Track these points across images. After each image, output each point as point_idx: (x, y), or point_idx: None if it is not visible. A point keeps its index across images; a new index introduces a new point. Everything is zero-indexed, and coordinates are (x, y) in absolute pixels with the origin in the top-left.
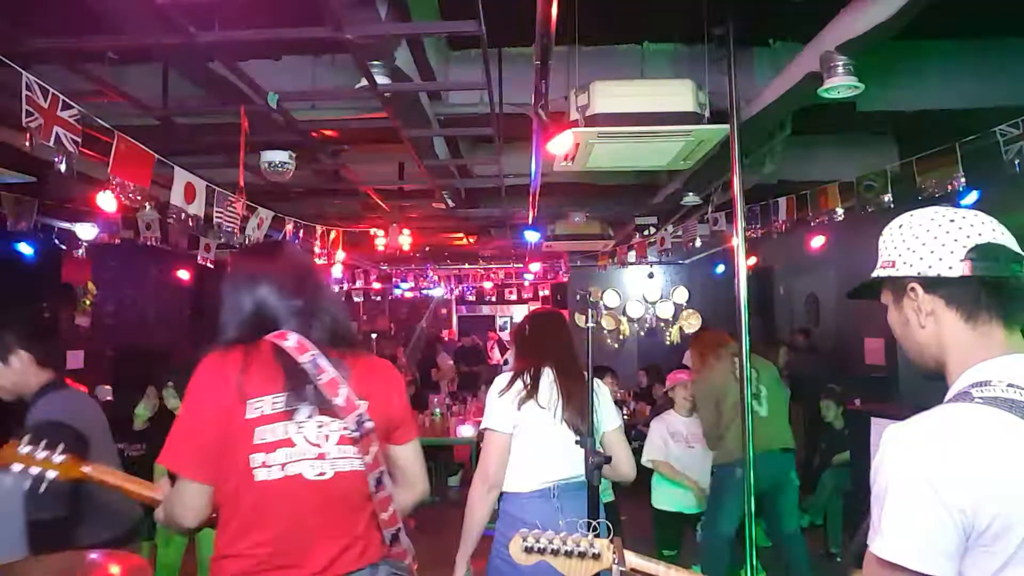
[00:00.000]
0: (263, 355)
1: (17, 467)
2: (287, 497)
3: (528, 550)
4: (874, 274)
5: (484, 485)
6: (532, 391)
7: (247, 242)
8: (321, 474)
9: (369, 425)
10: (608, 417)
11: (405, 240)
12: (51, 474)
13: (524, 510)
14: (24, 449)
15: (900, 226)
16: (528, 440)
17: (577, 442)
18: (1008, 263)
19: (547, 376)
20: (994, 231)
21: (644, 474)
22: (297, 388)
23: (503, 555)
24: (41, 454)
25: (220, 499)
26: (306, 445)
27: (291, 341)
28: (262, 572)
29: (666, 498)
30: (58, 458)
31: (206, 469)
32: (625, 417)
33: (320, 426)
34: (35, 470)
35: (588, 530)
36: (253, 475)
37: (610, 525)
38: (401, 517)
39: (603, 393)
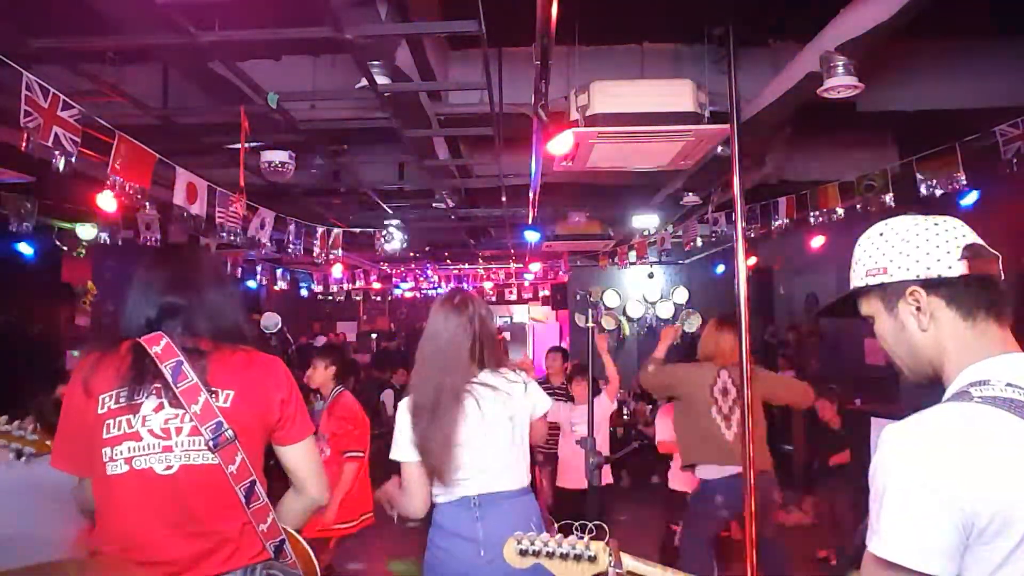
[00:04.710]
0: (119, 353)
1: (1, 442)
2: (136, 492)
3: (523, 553)
4: (861, 283)
5: (411, 510)
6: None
7: (254, 243)
8: (168, 468)
9: (229, 434)
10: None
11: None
12: (28, 449)
13: (445, 518)
14: (4, 428)
15: (881, 234)
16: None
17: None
18: (993, 262)
19: (438, 395)
20: (971, 232)
21: (651, 463)
22: (142, 382)
23: (431, 560)
24: (17, 432)
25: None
26: (151, 438)
27: (159, 346)
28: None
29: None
30: (31, 436)
31: (80, 465)
32: (625, 417)
33: (169, 419)
34: (15, 445)
35: (583, 532)
36: (105, 469)
37: (606, 527)
38: (299, 527)
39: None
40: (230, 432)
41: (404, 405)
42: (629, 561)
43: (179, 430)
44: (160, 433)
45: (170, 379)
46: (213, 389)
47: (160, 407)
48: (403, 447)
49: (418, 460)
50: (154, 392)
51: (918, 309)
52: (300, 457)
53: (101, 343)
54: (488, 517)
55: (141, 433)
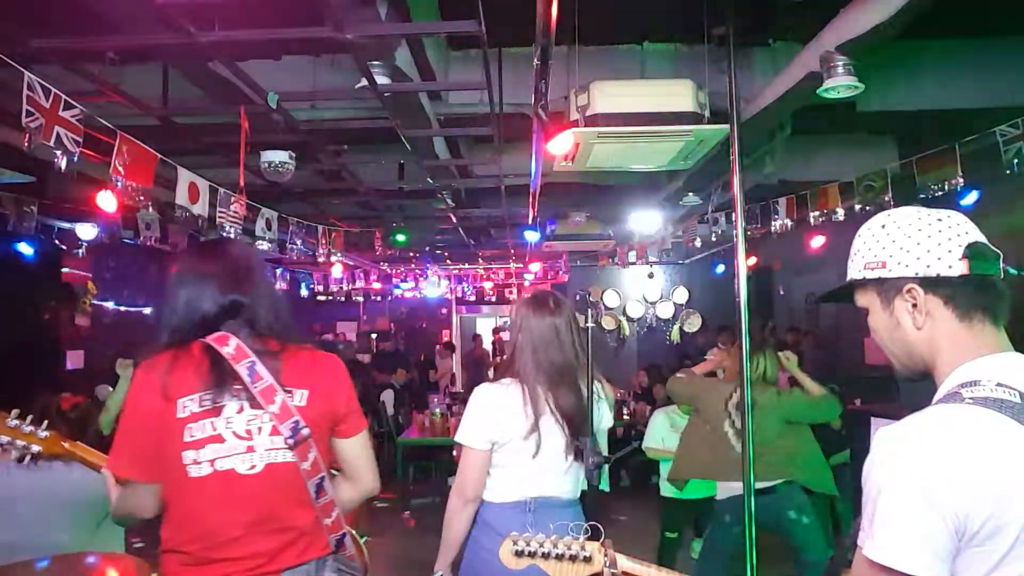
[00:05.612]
0: (192, 356)
1: (4, 439)
2: (219, 493)
3: (519, 554)
4: (859, 276)
5: (460, 500)
6: (516, 408)
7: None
8: (252, 467)
9: (305, 432)
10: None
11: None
12: (35, 448)
13: (496, 518)
14: (12, 423)
15: (883, 226)
16: (507, 455)
17: (577, 443)
18: (995, 261)
19: (535, 391)
20: (975, 229)
21: (652, 463)
22: (224, 384)
23: (474, 561)
24: (27, 428)
25: (163, 495)
26: (235, 440)
27: (230, 347)
28: (202, 565)
29: (671, 486)
30: (43, 433)
31: (150, 471)
32: (625, 417)
33: (250, 419)
34: (20, 443)
35: (579, 533)
36: (186, 472)
37: (600, 527)
38: (346, 514)
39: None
40: (306, 430)
41: (491, 395)
42: (624, 561)
43: (260, 430)
44: (243, 434)
45: (247, 380)
46: (288, 389)
47: (241, 409)
48: (473, 434)
49: (486, 449)
50: (235, 394)
51: (914, 307)
52: (359, 448)
53: (168, 343)
54: (540, 523)
55: (224, 435)
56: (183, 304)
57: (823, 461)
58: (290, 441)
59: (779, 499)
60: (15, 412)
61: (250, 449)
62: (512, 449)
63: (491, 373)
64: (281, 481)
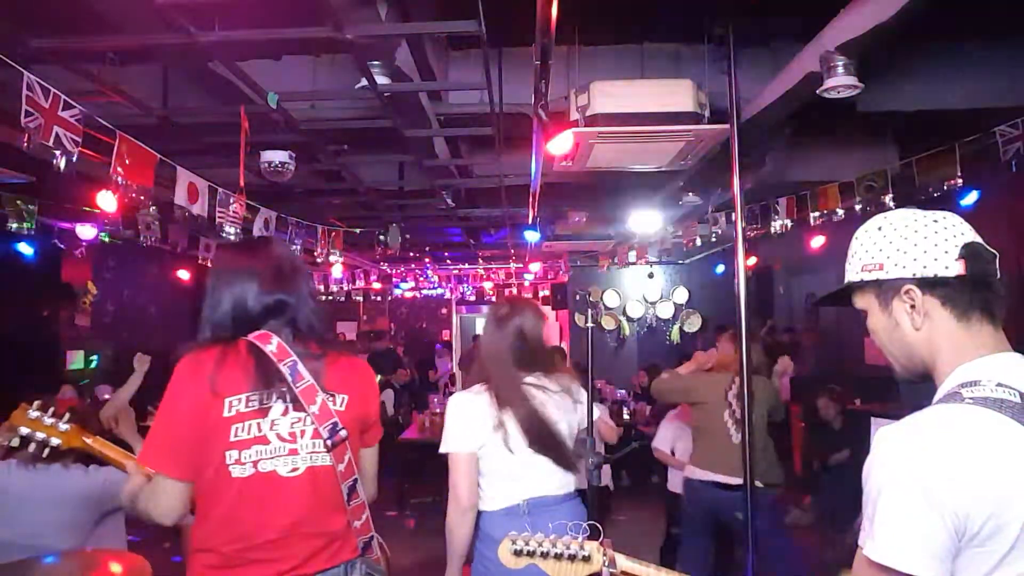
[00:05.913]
0: (239, 354)
1: (24, 431)
2: (261, 494)
3: (517, 553)
4: (856, 278)
5: (458, 509)
6: (488, 411)
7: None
8: (294, 470)
9: (343, 434)
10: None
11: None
12: (55, 441)
13: (494, 527)
14: (33, 414)
15: (879, 228)
16: (488, 460)
17: (578, 442)
18: (991, 261)
19: (495, 396)
20: (971, 230)
21: (653, 462)
22: (271, 385)
23: (483, 573)
24: (48, 421)
25: (197, 494)
26: (279, 442)
27: (272, 345)
28: (236, 567)
29: (679, 482)
30: (63, 426)
31: (184, 467)
32: (625, 417)
33: (294, 422)
34: (40, 435)
35: (579, 532)
36: (229, 472)
37: (599, 526)
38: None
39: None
40: (344, 431)
41: (464, 402)
42: (623, 561)
43: (303, 433)
44: (287, 437)
45: (290, 380)
46: (331, 393)
47: (286, 411)
48: (456, 439)
49: (468, 452)
50: (281, 396)
51: (912, 308)
52: (372, 458)
53: (212, 339)
54: (538, 525)
55: (269, 437)
56: (227, 300)
57: (775, 458)
58: (328, 443)
59: (736, 499)
60: (37, 403)
61: (293, 452)
62: (491, 452)
63: None
64: (320, 484)
